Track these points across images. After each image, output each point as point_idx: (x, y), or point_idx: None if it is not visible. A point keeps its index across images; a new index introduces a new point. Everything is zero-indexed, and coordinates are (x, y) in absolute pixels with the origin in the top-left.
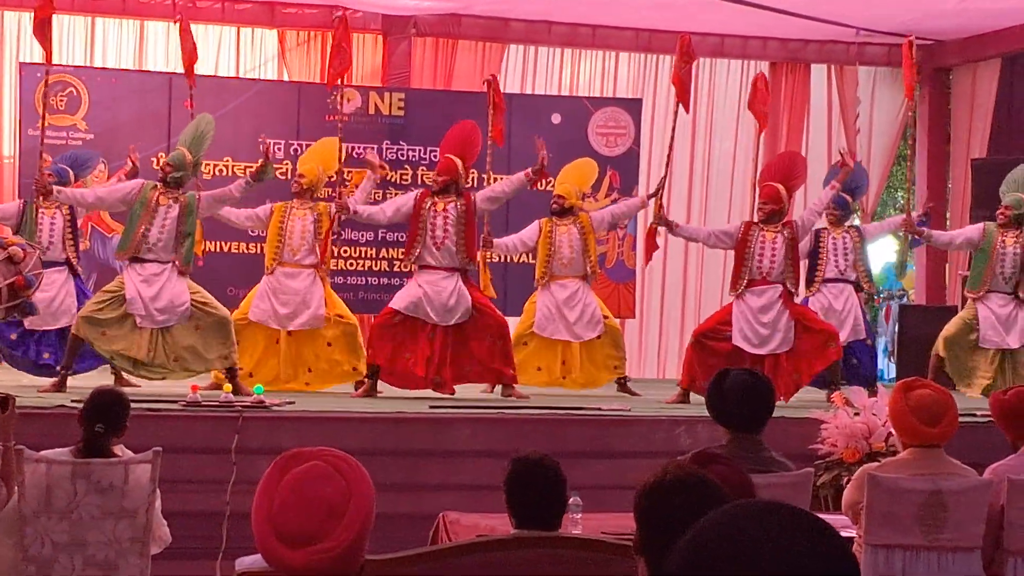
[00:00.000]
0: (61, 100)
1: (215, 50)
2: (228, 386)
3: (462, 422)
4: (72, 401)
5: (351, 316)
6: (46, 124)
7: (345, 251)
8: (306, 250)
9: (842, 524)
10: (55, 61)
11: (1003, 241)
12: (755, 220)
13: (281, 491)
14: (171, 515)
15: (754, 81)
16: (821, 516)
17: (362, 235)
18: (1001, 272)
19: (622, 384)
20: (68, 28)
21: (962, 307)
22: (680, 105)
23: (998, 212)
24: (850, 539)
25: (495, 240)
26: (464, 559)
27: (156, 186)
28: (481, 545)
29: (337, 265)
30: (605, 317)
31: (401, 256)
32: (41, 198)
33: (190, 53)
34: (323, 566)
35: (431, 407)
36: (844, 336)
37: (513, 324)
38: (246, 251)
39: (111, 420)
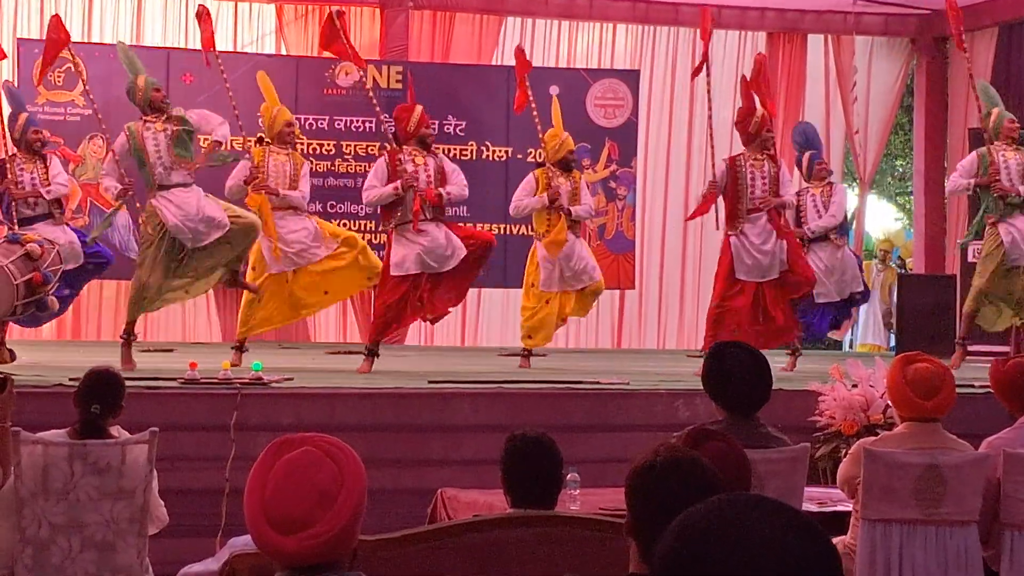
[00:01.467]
0: (59, 76)
1: (213, 24)
2: (226, 363)
3: (462, 397)
4: (70, 379)
5: (348, 232)
6: (44, 100)
7: (344, 224)
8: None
9: (839, 498)
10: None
11: (1004, 156)
12: (743, 151)
13: (272, 477)
14: (170, 493)
15: (757, 61)
16: (819, 489)
17: (361, 208)
18: (1010, 181)
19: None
20: (66, 3)
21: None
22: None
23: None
24: (846, 513)
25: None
26: (459, 539)
27: (142, 120)
28: (476, 524)
29: None
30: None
31: None
32: (25, 155)
33: (207, 40)
34: (315, 551)
35: (430, 382)
36: (846, 286)
37: (513, 295)
38: None
39: (107, 400)
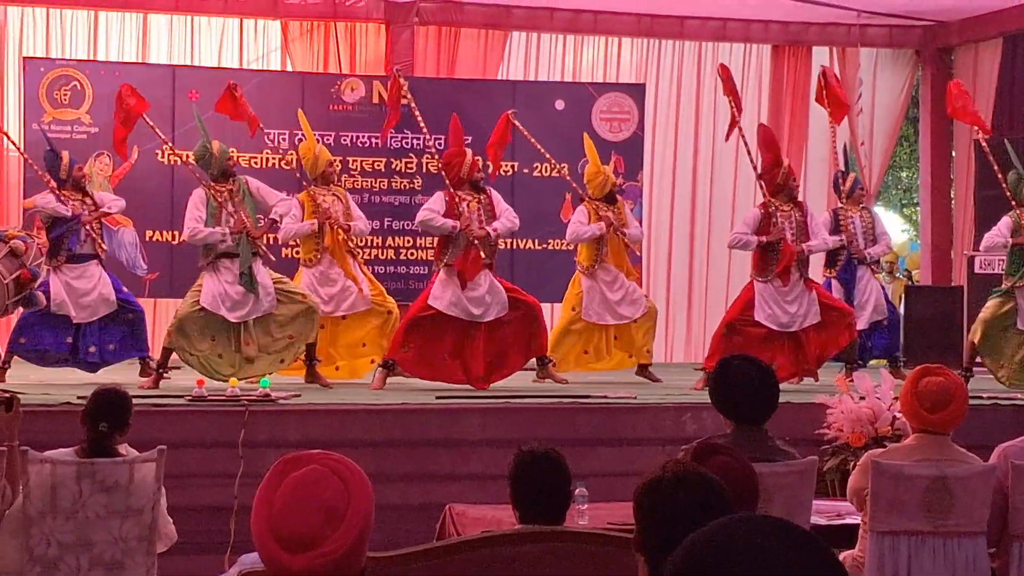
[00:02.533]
0: (65, 94)
1: (218, 41)
2: (234, 380)
3: (470, 412)
4: (78, 398)
5: (391, 303)
6: (50, 118)
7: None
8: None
9: (847, 511)
10: (57, 55)
11: None
12: (768, 198)
13: (279, 496)
14: (178, 510)
15: (822, 72)
16: (827, 502)
17: (368, 225)
18: None
19: (643, 368)
20: (71, 22)
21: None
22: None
23: None
24: (855, 526)
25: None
26: (468, 555)
27: (212, 187)
28: (485, 540)
29: None
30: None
31: (407, 244)
32: (72, 191)
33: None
34: (324, 569)
35: (438, 397)
36: (867, 316)
37: None
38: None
39: (114, 419)
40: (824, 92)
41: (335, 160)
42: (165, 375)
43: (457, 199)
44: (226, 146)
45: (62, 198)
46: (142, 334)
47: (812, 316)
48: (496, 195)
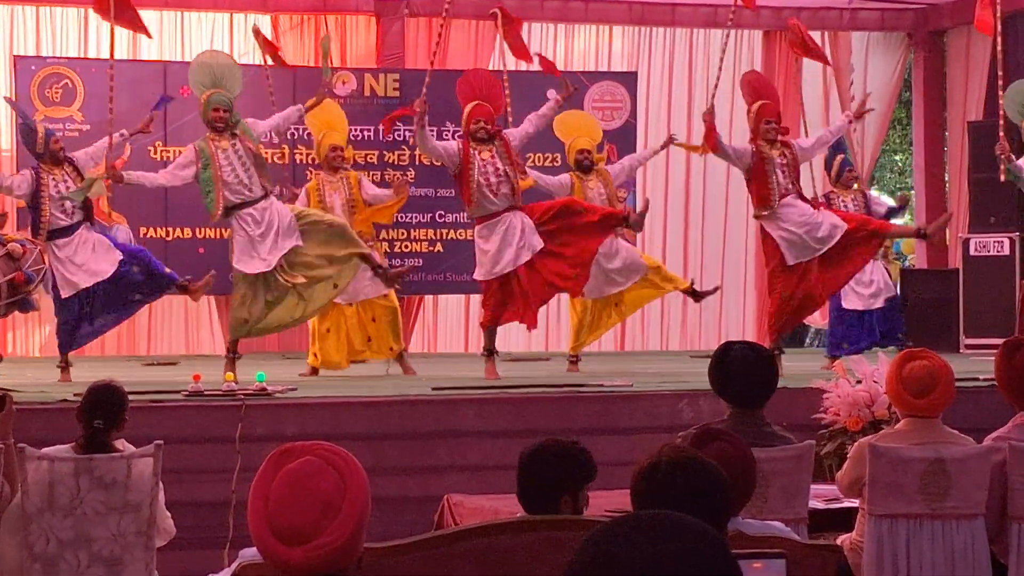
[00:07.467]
0: (56, 92)
1: (209, 37)
2: (229, 375)
3: (466, 403)
4: (75, 395)
5: (394, 299)
6: (42, 116)
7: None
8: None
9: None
10: (48, 53)
11: None
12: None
13: (275, 489)
14: (176, 506)
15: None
16: (825, 486)
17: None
18: None
19: (693, 292)
20: (61, 20)
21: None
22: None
23: None
24: (853, 509)
25: (529, 170)
26: (466, 544)
27: (208, 139)
28: (483, 530)
29: None
30: None
31: (401, 236)
32: (52, 165)
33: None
34: (321, 562)
35: (434, 389)
36: (876, 296)
37: None
38: None
39: (109, 415)
40: (804, 41)
41: (341, 147)
42: (236, 357)
43: (471, 150)
44: (223, 99)
45: (42, 171)
46: (160, 270)
47: (839, 229)
48: (510, 137)
